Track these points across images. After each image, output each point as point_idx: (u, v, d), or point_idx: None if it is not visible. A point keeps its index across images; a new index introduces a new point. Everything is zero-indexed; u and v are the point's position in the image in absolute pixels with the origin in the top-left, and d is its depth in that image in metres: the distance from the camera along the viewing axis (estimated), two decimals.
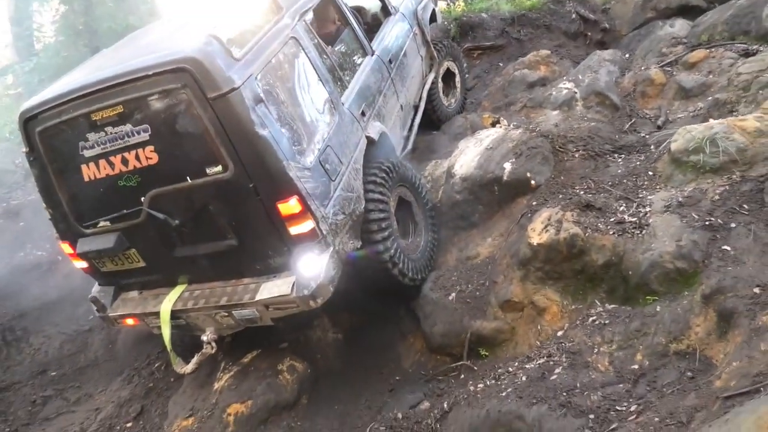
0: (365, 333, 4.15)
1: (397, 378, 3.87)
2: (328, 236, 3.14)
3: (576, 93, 5.24)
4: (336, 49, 4.09)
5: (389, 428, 3.32)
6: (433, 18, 5.93)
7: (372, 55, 4.46)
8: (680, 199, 3.36)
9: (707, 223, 3.13)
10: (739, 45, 5.28)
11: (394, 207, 3.84)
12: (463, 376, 3.53)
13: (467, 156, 4.43)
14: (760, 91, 4.20)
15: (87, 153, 3.08)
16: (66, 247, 3.48)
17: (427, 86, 5.41)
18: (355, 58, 4.32)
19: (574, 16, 7.83)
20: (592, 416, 2.63)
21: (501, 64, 6.94)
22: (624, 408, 2.60)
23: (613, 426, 2.52)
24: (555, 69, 6.16)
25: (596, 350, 3.02)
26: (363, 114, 3.96)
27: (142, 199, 3.10)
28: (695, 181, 3.48)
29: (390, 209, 3.76)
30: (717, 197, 3.27)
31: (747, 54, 5.02)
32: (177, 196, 3.08)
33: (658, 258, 3.11)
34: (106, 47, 4.17)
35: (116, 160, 3.04)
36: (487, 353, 3.56)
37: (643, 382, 2.71)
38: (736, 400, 2.09)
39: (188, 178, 2.99)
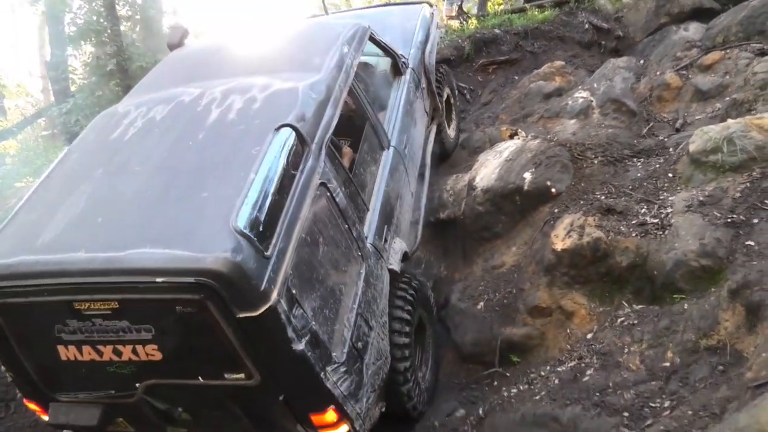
0: None
1: (434, 390, 3.93)
2: (361, 430, 2.77)
3: (592, 101, 5.32)
4: (357, 162, 3.40)
5: None
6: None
7: (388, 148, 3.75)
8: (701, 199, 3.41)
9: (729, 220, 3.18)
10: (754, 45, 5.30)
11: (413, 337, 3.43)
12: (496, 382, 3.59)
13: (487, 168, 4.54)
14: None
15: (65, 337, 2.41)
16: (32, 405, 2.83)
17: (431, 145, 4.81)
18: (373, 162, 3.57)
19: (587, 26, 7.92)
20: (626, 414, 2.68)
21: (516, 78, 7.06)
22: (657, 404, 2.65)
23: (648, 422, 2.57)
24: (570, 79, 6.25)
25: (627, 350, 3.07)
26: (385, 240, 3.34)
27: (137, 385, 2.52)
28: (715, 181, 3.53)
29: (412, 347, 3.38)
30: (738, 194, 3.31)
31: (762, 53, 5.04)
32: (183, 389, 2.56)
33: (682, 257, 3.16)
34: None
35: (106, 349, 2.41)
36: (518, 359, 3.62)
37: (675, 378, 2.75)
38: (767, 388, 2.13)
39: (200, 378, 2.48)
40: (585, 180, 4.14)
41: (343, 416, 2.61)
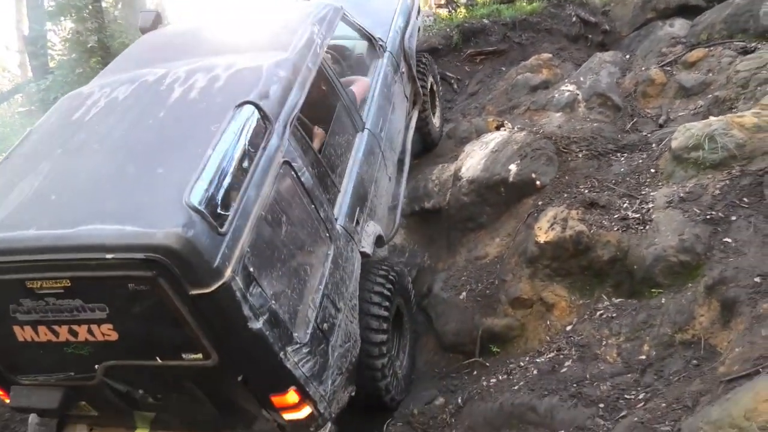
0: None
1: (412, 377, 3.97)
2: (325, 412, 2.71)
3: (578, 95, 5.34)
4: (327, 143, 3.31)
5: (406, 423, 3.42)
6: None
7: (362, 130, 3.67)
8: (682, 195, 3.47)
9: (708, 216, 3.23)
10: (737, 43, 5.36)
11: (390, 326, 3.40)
12: (475, 372, 3.63)
13: (473, 159, 4.55)
14: (758, 88, 4.29)
15: (20, 317, 2.37)
16: None
17: (411, 131, 4.75)
18: (345, 144, 3.50)
19: (574, 19, 7.94)
20: (602, 405, 2.73)
21: (504, 69, 7.05)
22: (632, 396, 2.71)
23: (623, 413, 2.62)
24: (557, 72, 6.26)
25: (604, 343, 3.13)
26: (357, 223, 3.30)
27: (96, 366, 2.48)
28: (696, 177, 3.58)
29: (390, 342, 3.36)
30: (717, 192, 3.37)
31: (745, 52, 5.11)
32: (142, 370, 2.51)
33: (661, 252, 3.22)
34: None
35: (61, 329, 2.36)
36: (498, 349, 3.66)
37: (651, 371, 2.81)
38: (738, 383, 2.19)
39: (158, 358, 2.42)
40: (569, 173, 4.18)
41: (306, 398, 2.57)
